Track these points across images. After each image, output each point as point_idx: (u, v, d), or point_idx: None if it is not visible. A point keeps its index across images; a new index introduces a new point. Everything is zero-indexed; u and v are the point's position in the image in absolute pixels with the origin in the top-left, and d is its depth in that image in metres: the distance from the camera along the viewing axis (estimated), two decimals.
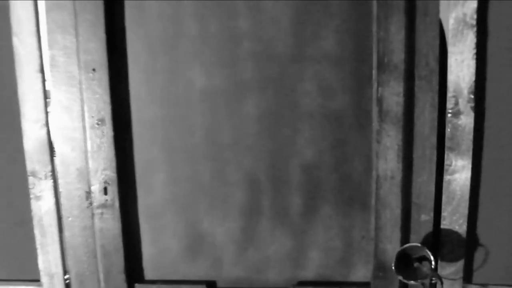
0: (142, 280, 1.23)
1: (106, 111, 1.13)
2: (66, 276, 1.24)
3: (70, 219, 1.19)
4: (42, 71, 1.15)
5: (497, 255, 1.17)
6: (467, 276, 1.18)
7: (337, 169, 1.15)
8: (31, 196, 1.20)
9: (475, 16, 1.06)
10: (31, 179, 1.19)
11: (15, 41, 1.13)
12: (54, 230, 1.21)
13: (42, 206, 1.20)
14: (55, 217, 1.21)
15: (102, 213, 1.17)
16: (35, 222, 1.21)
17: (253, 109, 1.14)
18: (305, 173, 1.16)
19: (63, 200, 1.19)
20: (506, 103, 1.10)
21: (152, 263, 1.23)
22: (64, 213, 1.19)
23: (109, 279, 1.21)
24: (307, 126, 1.14)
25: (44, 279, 1.24)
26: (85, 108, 1.13)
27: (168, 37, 1.13)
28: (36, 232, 1.22)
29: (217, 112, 1.15)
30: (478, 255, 1.17)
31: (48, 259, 1.23)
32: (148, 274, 1.24)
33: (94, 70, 1.11)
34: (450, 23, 1.08)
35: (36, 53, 1.14)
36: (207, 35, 1.12)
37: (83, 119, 1.14)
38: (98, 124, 1.13)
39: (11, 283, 1.27)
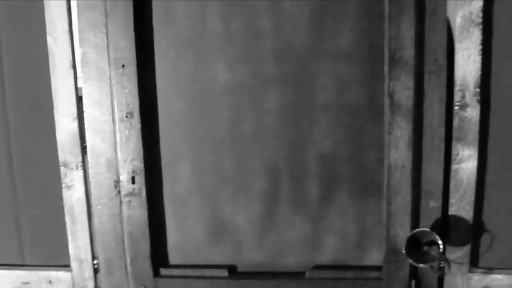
0: (167, 264, 1.31)
1: (134, 105, 1.20)
2: (95, 262, 1.32)
3: (99, 207, 1.27)
4: (74, 67, 1.22)
5: (502, 241, 1.24)
6: (474, 260, 1.25)
7: (351, 159, 1.23)
8: (63, 185, 1.28)
9: (480, 15, 1.14)
10: (62, 169, 1.26)
11: (49, 39, 1.21)
12: (84, 217, 1.29)
13: (73, 195, 1.28)
14: (85, 205, 1.28)
15: (129, 201, 1.25)
16: (66, 210, 1.29)
17: (274, 102, 1.22)
18: (322, 162, 1.23)
19: (92, 189, 1.26)
20: (510, 96, 1.18)
21: (177, 249, 1.30)
22: (93, 201, 1.27)
23: (136, 264, 1.28)
24: (324, 118, 1.22)
25: (74, 264, 1.32)
26: (115, 102, 1.21)
27: (194, 35, 1.20)
28: (67, 219, 1.29)
29: (239, 106, 1.22)
30: (484, 240, 1.25)
31: (78, 245, 1.31)
32: (173, 259, 1.31)
33: (123, 66, 1.18)
34: (457, 21, 1.15)
35: (68, 50, 1.22)
36: (231, 33, 1.19)
37: (112, 112, 1.22)
38: (127, 117, 1.21)
39: (43, 269, 1.35)
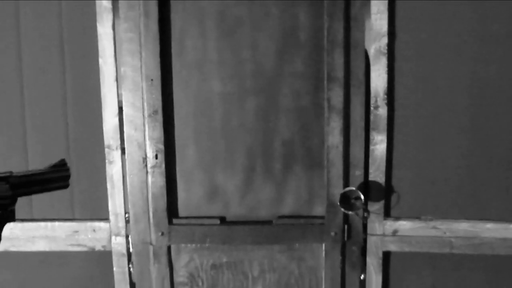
0: (177, 216, 1.87)
1: (158, 106, 1.78)
2: (126, 215, 1.88)
3: (131, 176, 1.84)
4: (117, 80, 1.81)
5: (405, 199, 1.84)
6: (386, 212, 1.85)
7: (303, 143, 1.82)
8: (106, 161, 1.84)
9: (386, 48, 1.76)
10: (107, 150, 1.83)
11: (101, 61, 1.79)
12: (120, 183, 1.86)
13: (113, 167, 1.84)
14: (121, 175, 1.85)
15: (153, 172, 1.82)
16: (108, 178, 1.85)
17: (251, 106, 1.81)
18: (283, 146, 1.83)
19: (127, 164, 1.83)
20: (407, 99, 1.79)
21: (184, 205, 1.87)
22: (127, 172, 1.84)
23: (156, 216, 1.85)
24: (285, 116, 1.81)
25: (111, 217, 1.88)
26: (145, 104, 1.79)
27: (198, 61, 1.80)
28: (108, 185, 1.86)
29: (228, 108, 1.81)
30: (393, 198, 1.85)
31: (115, 204, 1.87)
32: (181, 212, 1.88)
33: (152, 80, 1.77)
34: (371, 52, 1.77)
35: (113, 68, 1.80)
36: (223, 60, 1.79)
37: (142, 111, 1.80)
38: (153, 114, 1.79)
39: (88, 221, 1.90)
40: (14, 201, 0.93)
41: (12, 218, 0.93)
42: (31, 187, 0.97)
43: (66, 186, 1.10)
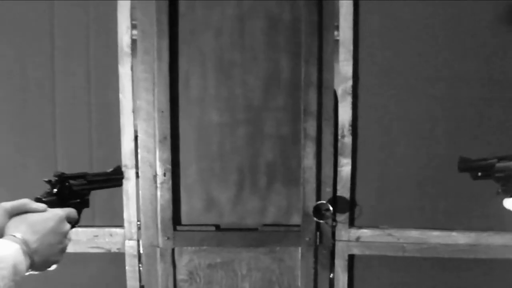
0: (180, 224, 2.27)
1: (167, 133, 2.19)
2: (138, 222, 2.28)
3: (143, 190, 2.25)
4: (133, 112, 2.22)
5: (366, 211, 2.25)
6: (351, 221, 2.25)
7: (283, 164, 2.24)
8: None
9: (351, 89, 2.19)
10: (124, 169, 2.24)
11: (121, 96, 2.21)
12: (133, 196, 2.26)
13: (129, 183, 2.25)
14: (135, 189, 2.26)
15: (162, 187, 2.23)
16: (124, 192, 2.25)
17: (242, 133, 2.23)
18: (267, 166, 2.24)
19: (140, 180, 2.24)
20: (367, 130, 2.21)
21: (186, 215, 2.27)
22: (140, 186, 2.25)
23: (163, 223, 2.24)
24: (268, 142, 2.23)
25: (126, 224, 2.27)
26: (156, 131, 2.20)
27: (200, 96, 2.22)
28: (124, 198, 2.26)
29: (223, 135, 2.23)
30: (357, 211, 2.26)
31: (129, 213, 2.27)
32: (184, 220, 2.27)
33: (162, 112, 2.19)
34: (339, 91, 2.20)
35: (131, 102, 2.21)
36: (219, 95, 2.21)
37: (154, 137, 2.21)
38: (163, 140, 2.20)
39: (107, 227, 2.29)
40: (88, 193, 1.30)
41: (87, 205, 1.30)
42: (99, 182, 1.37)
43: (120, 185, 1.52)
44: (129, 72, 2.21)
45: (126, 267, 2.29)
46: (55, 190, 1.21)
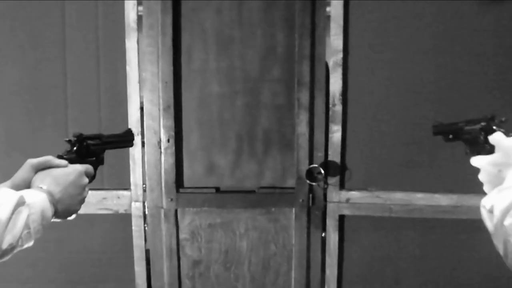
0: (183, 186, 2.45)
1: (170, 102, 2.37)
2: (144, 185, 2.46)
3: (148, 155, 2.42)
4: (139, 82, 2.39)
5: (356, 174, 2.42)
6: (342, 184, 2.42)
7: (279, 131, 2.41)
8: None
9: (341, 60, 2.36)
10: None
11: (128, 68, 2.38)
12: (139, 161, 2.43)
13: (135, 149, 2.42)
14: (141, 154, 2.43)
15: (165, 152, 2.40)
16: (130, 157, 2.42)
17: (240, 103, 2.40)
18: (264, 133, 2.42)
19: (146, 146, 2.42)
20: (356, 99, 2.38)
21: (188, 178, 2.45)
22: (146, 152, 2.42)
23: (167, 186, 2.42)
24: (265, 111, 2.41)
25: (132, 187, 2.44)
26: (160, 101, 2.38)
27: (201, 69, 2.38)
28: (131, 162, 2.43)
29: (223, 104, 2.40)
30: (347, 174, 2.43)
31: (135, 176, 2.44)
32: (186, 183, 2.45)
33: (166, 82, 2.36)
34: (330, 63, 2.37)
35: (137, 73, 2.38)
36: (220, 68, 2.38)
37: (159, 106, 2.39)
38: (166, 108, 2.38)
39: (115, 190, 2.47)
40: (103, 152, 1.44)
41: (102, 163, 1.44)
42: (112, 143, 1.52)
43: (131, 145, 1.67)
44: (135, 46, 2.38)
45: (133, 227, 2.46)
46: (74, 148, 1.35)
